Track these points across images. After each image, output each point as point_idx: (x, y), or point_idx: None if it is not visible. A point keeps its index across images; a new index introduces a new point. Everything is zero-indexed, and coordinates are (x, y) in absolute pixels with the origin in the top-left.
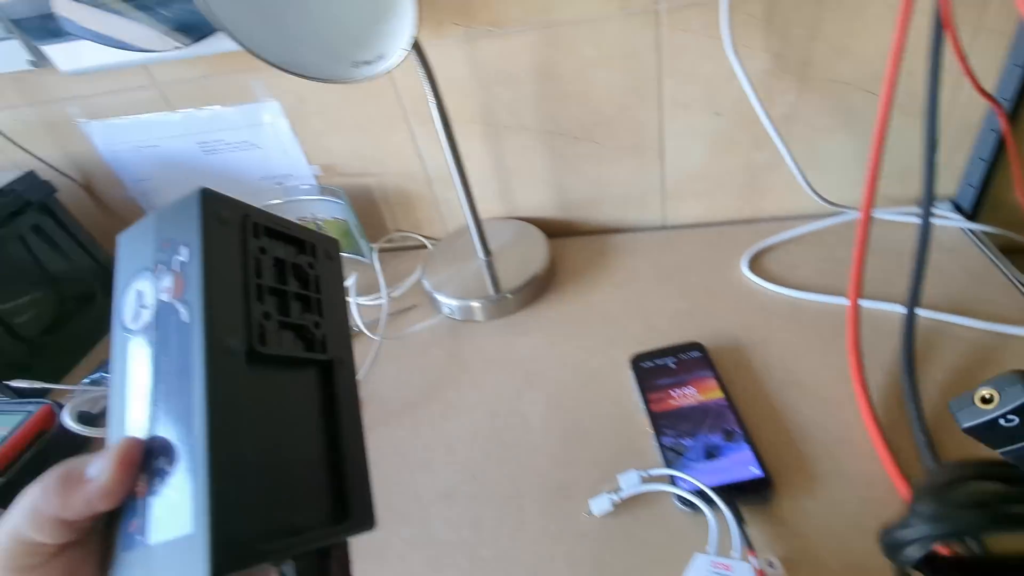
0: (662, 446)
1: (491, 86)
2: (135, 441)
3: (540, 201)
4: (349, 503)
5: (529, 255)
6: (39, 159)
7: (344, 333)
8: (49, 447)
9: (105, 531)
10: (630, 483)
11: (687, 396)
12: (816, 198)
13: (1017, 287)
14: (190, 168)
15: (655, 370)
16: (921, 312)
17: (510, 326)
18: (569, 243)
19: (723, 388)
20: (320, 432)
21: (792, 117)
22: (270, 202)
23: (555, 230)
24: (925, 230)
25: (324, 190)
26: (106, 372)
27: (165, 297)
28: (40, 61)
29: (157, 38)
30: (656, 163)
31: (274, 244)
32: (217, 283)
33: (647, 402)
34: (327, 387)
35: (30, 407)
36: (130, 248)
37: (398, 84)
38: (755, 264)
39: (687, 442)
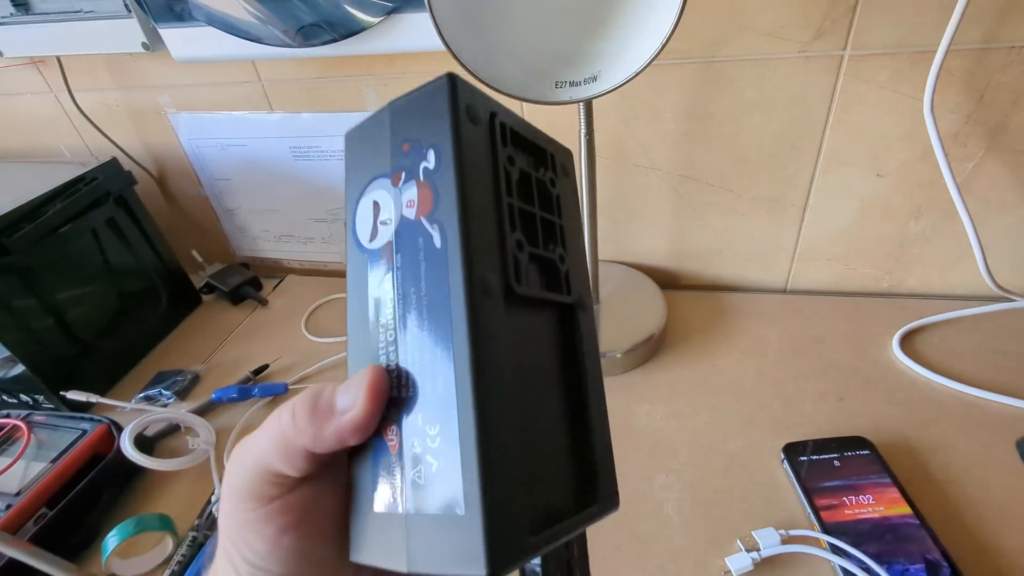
0: (845, 572)
1: (630, 120)
2: (383, 371)
3: (653, 247)
4: (597, 481)
5: (643, 308)
6: (118, 147)
7: (583, 269)
8: (107, 474)
9: (341, 467)
10: None
11: (866, 507)
12: (988, 280)
13: None
14: (275, 172)
15: (817, 466)
16: None
17: (625, 388)
18: (680, 297)
19: (909, 502)
20: (564, 392)
21: (973, 181)
22: None
23: (662, 280)
24: None
25: None
26: (165, 388)
27: (409, 214)
28: (154, 44)
29: (284, 34)
30: (795, 220)
31: (519, 154)
32: (474, 202)
33: (815, 509)
34: (569, 337)
35: (85, 424)
36: (362, 148)
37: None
38: (907, 345)
39: (880, 570)
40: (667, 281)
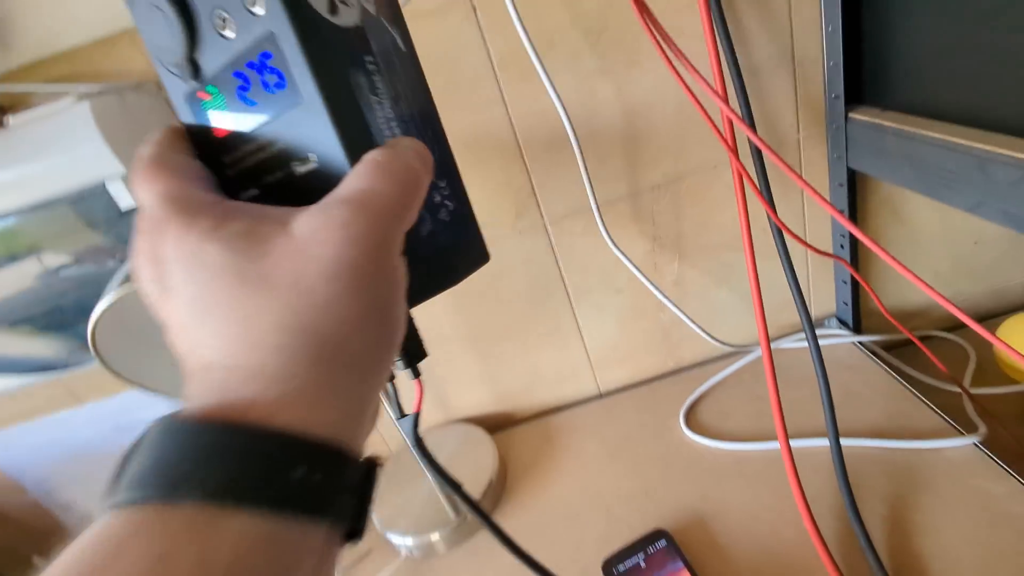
0: None
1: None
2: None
3: (476, 399)
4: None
5: (478, 461)
6: None
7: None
8: None
9: None
10: None
11: None
12: (719, 344)
13: (919, 397)
14: (104, 455)
15: (629, 574)
16: (846, 443)
17: (476, 553)
18: (514, 435)
19: None
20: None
21: (681, 280)
22: None
23: (498, 423)
24: (817, 353)
25: None
26: None
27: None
28: None
29: (73, 352)
30: (577, 340)
31: None
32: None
33: None
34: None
35: None
36: None
37: None
38: (691, 421)
39: None
40: (502, 422)
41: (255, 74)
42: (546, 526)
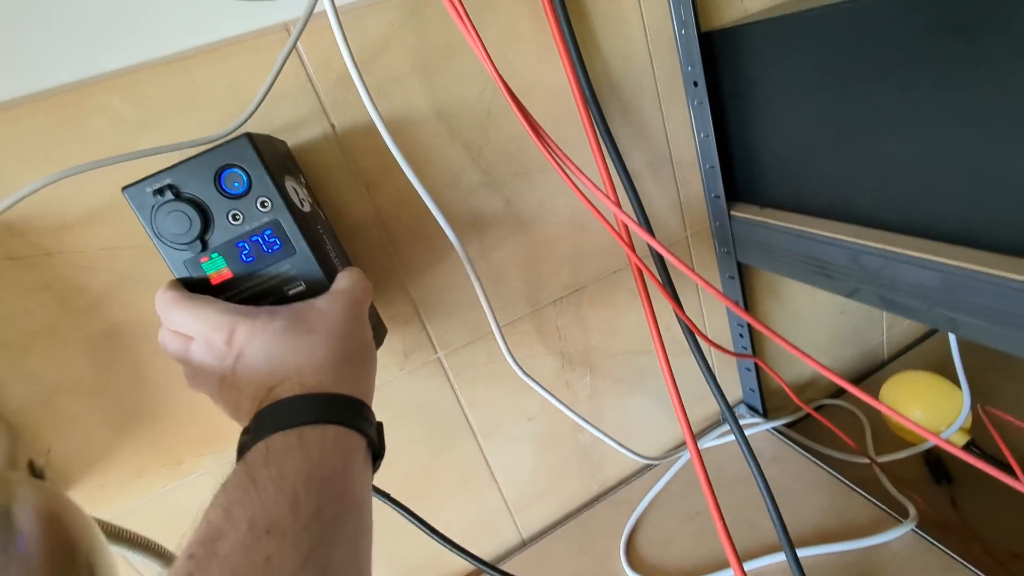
0: None
1: None
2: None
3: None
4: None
5: None
6: None
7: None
8: None
9: None
10: None
11: None
12: (640, 459)
13: (848, 484)
14: None
15: None
16: (802, 554)
17: None
18: None
19: None
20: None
21: (595, 393)
22: None
23: None
24: (752, 457)
25: None
26: None
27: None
28: None
29: None
30: (491, 484)
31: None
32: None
33: None
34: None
35: None
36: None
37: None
38: (633, 558)
39: None
40: None
41: (257, 242)
42: None
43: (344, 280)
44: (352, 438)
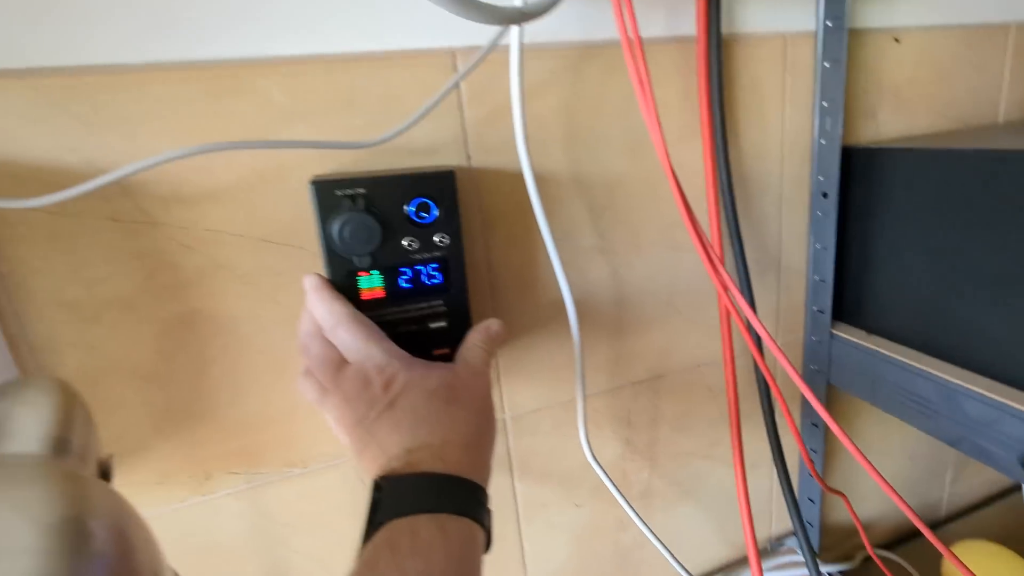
0: None
1: (289, 538)
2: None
3: None
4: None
5: None
6: None
7: None
8: None
9: None
10: None
11: None
12: (684, 574)
13: None
14: None
15: None
16: None
17: None
18: None
19: None
20: None
21: (648, 492)
22: None
23: None
24: None
25: None
26: None
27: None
28: None
29: None
30: (519, 570)
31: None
32: None
33: None
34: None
35: None
36: None
37: None
38: None
39: None
40: None
41: (418, 272)
42: None
43: (486, 345)
44: (479, 534)
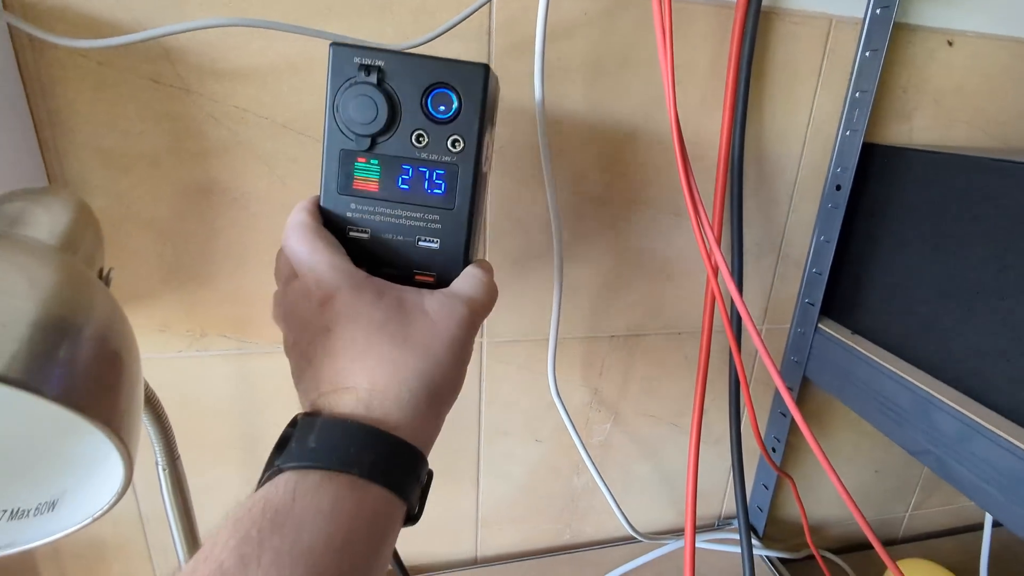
0: None
1: (265, 410)
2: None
3: None
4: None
5: None
6: None
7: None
8: None
9: None
10: None
11: None
12: (627, 529)
13: None
14: None
15: None
16: None
17: None
18: None
19: None
20: None
21: (608, 445)
22: None
23: None
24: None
25: None
26: None
27: None
28: None
29: None
30: (471, 488)
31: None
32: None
33: None
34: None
35: None
36: None
37: None
38: None
39: None
40: None
41: (420, 174)
42: None
43: (472, 285)
44: (394, 508)
